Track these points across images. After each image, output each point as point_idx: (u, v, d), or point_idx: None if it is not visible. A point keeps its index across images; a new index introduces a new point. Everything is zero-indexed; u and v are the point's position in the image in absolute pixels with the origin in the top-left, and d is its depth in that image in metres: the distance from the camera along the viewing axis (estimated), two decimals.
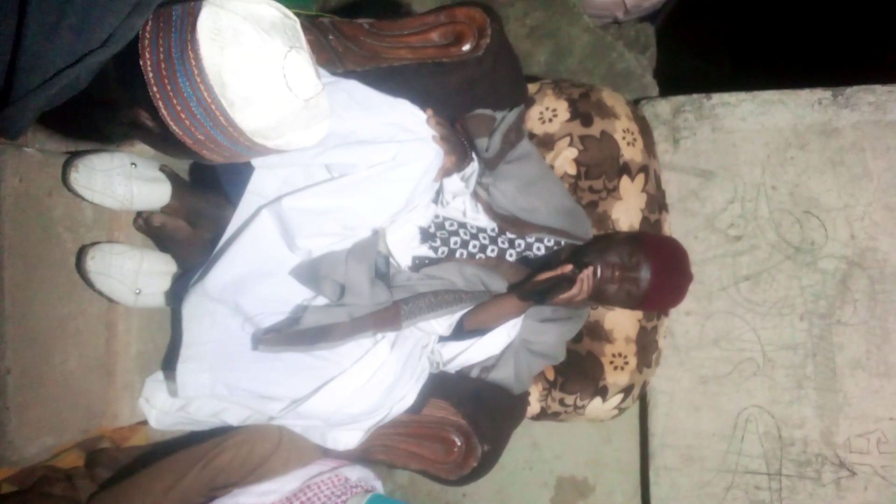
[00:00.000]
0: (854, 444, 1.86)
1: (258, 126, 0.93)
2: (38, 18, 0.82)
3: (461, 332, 1.51)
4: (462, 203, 1.57)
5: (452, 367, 1.58)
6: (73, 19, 0.83)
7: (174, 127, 0.92)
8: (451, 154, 1.46)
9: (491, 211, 1.56)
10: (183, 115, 0.90)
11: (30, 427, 1.33)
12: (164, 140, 0.96)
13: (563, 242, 1.60)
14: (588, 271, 1.41)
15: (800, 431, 1.90)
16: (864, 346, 1.87)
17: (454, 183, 1.54)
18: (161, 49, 0.87)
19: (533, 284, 1.43)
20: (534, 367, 1.60)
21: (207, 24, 0.87)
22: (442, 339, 1.54)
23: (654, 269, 1.46)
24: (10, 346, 1.29)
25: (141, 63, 0.88)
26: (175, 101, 0.89)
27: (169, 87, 0.88)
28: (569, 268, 1.40)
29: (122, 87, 0.94)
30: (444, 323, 1.49)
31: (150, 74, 0.88)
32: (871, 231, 1.88)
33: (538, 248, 1.59)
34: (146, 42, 0.88)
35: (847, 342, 1.88)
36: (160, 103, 0.90)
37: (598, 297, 1.50)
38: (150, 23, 0.88)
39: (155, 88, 0.89)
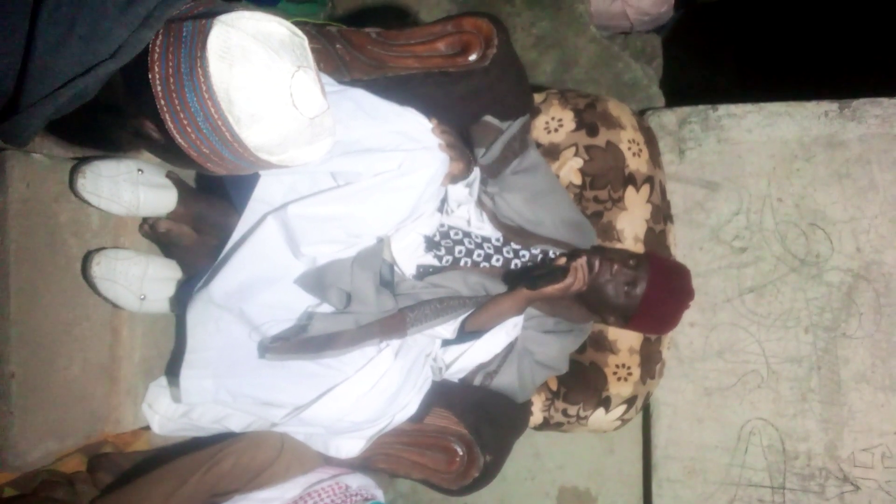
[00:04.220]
0: (858, 458, 1.85)
1: (263, 142, 0.94)
2: (48, 28, 0.83)
3: (462, 334, 1.51)
4: (466, 212, 1.57)
5: (454, 372, 1.57)
6: (83, 30, 0.84)
7: (180, 140, 0.92)
8: (458, 161, 1.46)
9: (496, 220, 1.56)
10: (189, 129, 0.91)
11: (33, 431, 1.33)
12: (168, 151, 0.97)
13: None
14: (581, 260, 1.43)
15: (804, 445, 1.89)
16: (869, 360, 1.86)
17: (458, 191, 1.54)
18: (170, 64, 0.88)
19: (527, 271, 1.46)
20: (537, 377, 1.60)
21: (217, 42, 0.88)
22: (445, 343, 1.54)
23: (654, 272, 1.50)
24: (15, 350, 1.29)
25: (149, 76, 0.89)
26: (182, 115, 0.90)
27: (176, 101, 0.89)
28: (563, 260, 1.43)
29: (129, 97, 0.95)
30: (449, 328, 1.49)
31: (158, 88, 0.89)
32: (876, 244, 1.87)
33: (544, 260, 1.59)
34: (155, 56, 0.89)
35: (852, 355, 1.87)
36: (167, 116, 0.90)
37: (597, 299, 1.50)
38: (160, 37, 0.89)
39: (162, 102, 0.89)
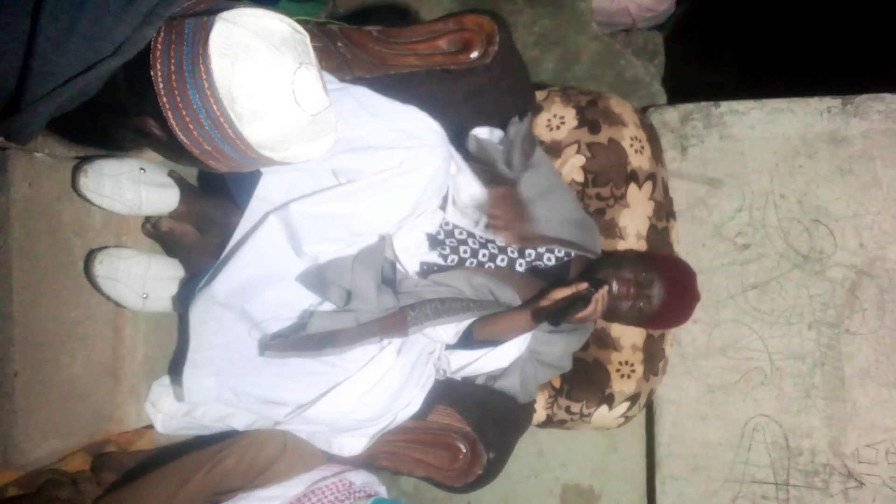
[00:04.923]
0: (862, 454, 1.85)
1: (265, 139, 0.94)
2: (50, 25, 0.83)
3: (470, 341, 1.51)
4: (476, 213, 1.56)
5: (459, 376, 1.57)
6: (85, 27, 0.84)
7: (182, 137, 0.92)
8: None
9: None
10: (191, 126, 0.91)
11: (36, 430, 1.33)
12: (171, 148, 0.97)
13: (572, 253, 1.59)
14: (604, 290, 1.39)
15: (808, 441, 1.88)
16: (872, 356, 1.86)
17: (474, 194, 1.53)
18: (172, 61, 0.88)
19: (548, 306, 1.41)
20: (540, 377, 1.59)
21: (219, 40, 0.88)
22: (451, 347, 1.54)
23: (667, 288, 1.47)
24: (18, 349, 1.29)
25: (152, 73, 0.89)
26: (184, 113, 0.90)
27: (178, 99, 0.89)
28: (584, 286, 1.39)
29: (131, 95, 0.95)
30: (450, 330, 1.49)
31: (161, 85, 0.89)
32: (880, 240, 1.87)
33: (548, 259, 1.58)
34: (158, 53, 0.89)
35: (856, 351, 1.87)
36: (169, 114, 0.90)
37: (610, 313, 1.49)
38: (162, 34, 0.89)
39: (164, 99, 0.89)
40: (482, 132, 1.56)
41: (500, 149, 1.54)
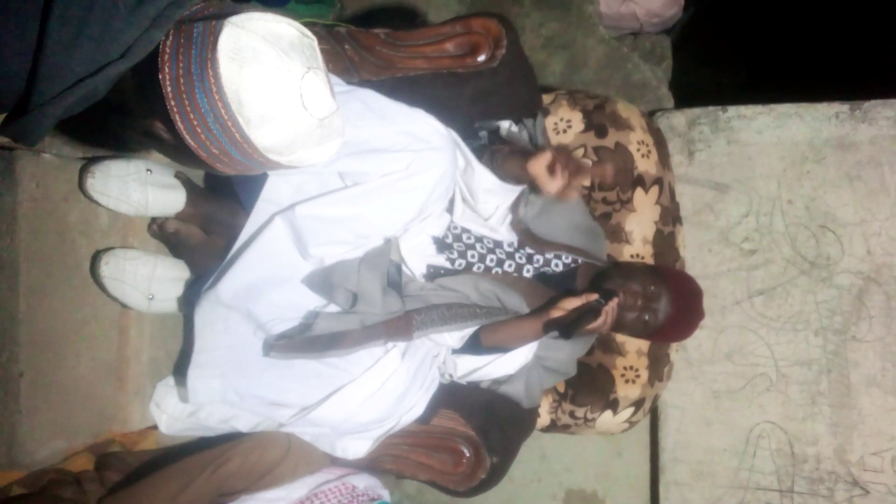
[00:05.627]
0: (868, 462, 1.84)
1: (273, 143, 0.94)
2: (59, 28, 0.84)
3: (478, 347, 1.50)
4: (495, 207, 1.53)
5: (465, 381, 1.57)
6: (94, 30, 0.85)
7: (189, 140, 0.93)
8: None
9: (516, 224, 1.55)
10: (199, 130, 0.91)
11: (41, 430, 1.33)
12: (178, 151, 0.97)
13: (580, 260, 1.59)
14: (614, 303, 1.38)
15: (813, 448, 1.87)
16: (879, 363, 1.85)
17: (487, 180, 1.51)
18: (181, 64, 0.89)
19: (559, 318, 1.40)
20: (545, 383, 1.59)
21: (228, 44, 0.88)
22: (457, 351, 1.53)
23: (674, 303, 1.46)
24: (24, 349, 1.29)
25: (160, 76, 0.89)
26: (192, 116, 0.90)
27: (186, 102, 0.89)
28: (594, 297, 1.38)
29: (139, 97, 0.95)
30: (456, 336, 1.48)
31: (169, 88, 0.89)
32: (887, 247, 1.86)
33: (556, 265, 1.58)
34: (166, 56, 0.89)
35: (862, 359, 1.86)
36: (177, 117, 0.91)
37: (614, 323, 1.48)
38: (170, 37, 0.90)
39: (172, 102, 0.90)
40: (503, 124, 1.56)
41: (528, 142, 1.54)
